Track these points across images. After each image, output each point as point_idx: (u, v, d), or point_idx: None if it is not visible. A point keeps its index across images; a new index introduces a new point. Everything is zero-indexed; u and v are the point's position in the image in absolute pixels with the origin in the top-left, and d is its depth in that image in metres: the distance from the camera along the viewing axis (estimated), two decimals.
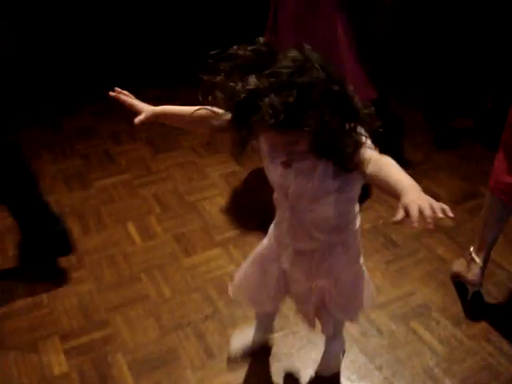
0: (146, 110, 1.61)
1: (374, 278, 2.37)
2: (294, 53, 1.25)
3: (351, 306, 1.80)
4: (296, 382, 2.01)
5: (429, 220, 1.12)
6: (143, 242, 2.64)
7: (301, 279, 1.70)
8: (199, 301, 2.31)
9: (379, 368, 2.03)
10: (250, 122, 1.21)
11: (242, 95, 1.20)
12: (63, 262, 2.55)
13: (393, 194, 1.23)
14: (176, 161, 3.24)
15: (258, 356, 2.08)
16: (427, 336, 2.15)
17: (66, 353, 2.14)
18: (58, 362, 2.11)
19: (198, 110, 1.49)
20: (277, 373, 2.03)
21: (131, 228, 2.74)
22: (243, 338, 2.09)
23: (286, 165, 1.42)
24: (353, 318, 1.87)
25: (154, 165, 3.22)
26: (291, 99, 1.18)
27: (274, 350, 2.10)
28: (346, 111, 1.28)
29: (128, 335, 2.19)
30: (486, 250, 2.21)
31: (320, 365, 2.02)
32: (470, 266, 2.24)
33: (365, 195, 2.90)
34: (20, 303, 2.37)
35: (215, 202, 2.90)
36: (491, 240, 2.20)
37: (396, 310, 2.26)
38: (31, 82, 3.92)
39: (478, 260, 2.22)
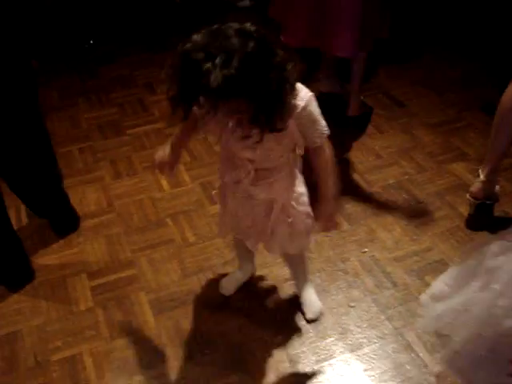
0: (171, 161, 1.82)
1: (393, 232, 2.43)
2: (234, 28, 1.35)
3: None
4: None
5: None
6: (171, 189, 2.73)
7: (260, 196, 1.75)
8: (221, 247, 2.39)
9: (390, 318, 2.08)
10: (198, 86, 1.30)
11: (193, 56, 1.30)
12: (93, 205, 2.65)
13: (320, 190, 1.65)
14: None
15: (269, 303, 2.15)
16: None
17: (93, 290, 2.26)
18: (84, 298, 2.23)
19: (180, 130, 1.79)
20: (288, 312, 2.11)
21: (160, 175, 2.81)
22: (231, 279, 2.19)
23: (247, 138, 1.54)
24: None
25: None
26: (232, 70, 1.27)
27: (284, 292, 2.17)
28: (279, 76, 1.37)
29: (151, 276, 2.29)
30: (491, 164, 2.33)
31: (306, 313, 2.09)
32: (475, 181, 2.39)
33: (391, 149, 2.92)
34: (52, 243, 2.49)
35: None
36: (498, 153, 2.30)
37: (412, 264, 2.30)
38: (70, 33, 3.99)
39: (481, 175, 2.36)
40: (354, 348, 1.99)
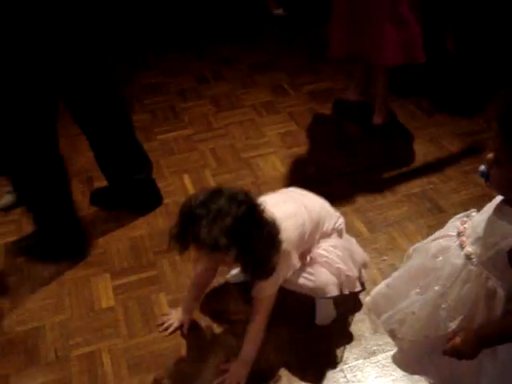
0: (187, 320, 2.12)
1: (414, 242, 2.38)
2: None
3: None
4: None
5: None
6: None
7: None
8: None
9: None
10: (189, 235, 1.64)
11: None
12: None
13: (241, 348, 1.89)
14: (236, 119, 3.34)
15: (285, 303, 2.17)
16: None
17: (115, 289, 2.32)
18: (106, 297, 2.29)
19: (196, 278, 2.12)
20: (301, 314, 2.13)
21: (187, 180, 2.88)
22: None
23: None
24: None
25: (214, 121, 3.34)
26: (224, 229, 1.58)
27: None
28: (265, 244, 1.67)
29: (172, 277, 2.34)
30: None
31: (317, 318, 2.12)
32: None
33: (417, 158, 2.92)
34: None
35: (269, 159, 2.99)
36: None
37: None
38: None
39: None
40: (367, 355, 1.99)
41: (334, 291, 1.95)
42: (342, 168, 2.88)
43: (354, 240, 2.18)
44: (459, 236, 1.45)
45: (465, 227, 1.44)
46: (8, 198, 2.78)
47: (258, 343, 1.89)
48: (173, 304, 2.21)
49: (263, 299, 1.86)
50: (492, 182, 1.33)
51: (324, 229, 1.99)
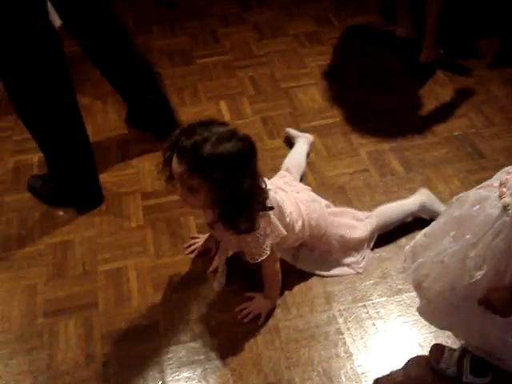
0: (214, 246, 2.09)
1: (450, 185, 2.37)
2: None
3: None
4: None
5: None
6: (232, 120, 2.73)
7: None
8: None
9: None
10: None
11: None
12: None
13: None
14: (278, 47, 3.26)
15: None
16: None
17: (145, 209, 2.33)
18: (136, 216, 2.30)
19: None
20: None
21: (223, 106, 2.84)
22: None
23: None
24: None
25: (256, 49, 3.26)
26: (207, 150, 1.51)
27: None
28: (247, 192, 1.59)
29: None
30: None
31: None
32: None
33: (461, 101, 2.82)
34: (112, 162, 2.56)
35: (308, 91, 2.92)
36: None
37: None
38: None
39: None
40: (392, 293, 1.98)
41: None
42: (382, 104, 2.80)
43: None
44: (500, 186, 1.39)
45: (507, 178, 1.38)
46: None
47: (277, 284, 1.91)
48: (201, 228, 2.21)
49: (263, 265, 1.84)
50: None
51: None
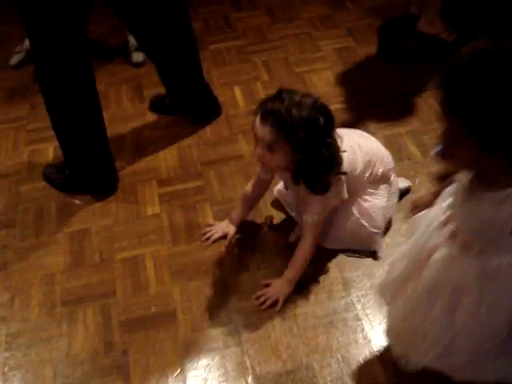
0: (231, 231, 2.10)
1: None
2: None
3: None
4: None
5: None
6: (246, 106, 2.72)
7: None
8: None
9: None
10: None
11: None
12: (168, 119, 2.70)
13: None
14: (291, 31, 3.23)
15: None
16: None
17: (161, 196, 2.32)
18: (152, 204, 2.30)
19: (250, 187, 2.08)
20: None
21: (237, 91, 2.82)
22: None
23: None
24: None
25: (269, 33, 3.23)
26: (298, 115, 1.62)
27: None
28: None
29: (218, 189, 2.33)
30: None
31: None
32: None
33: None
34: (127, 149, 2.56)
35: (323, 75, 2.89)
36: None
37: None
38: None
39: None
40: None
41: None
42: (398, 88, 2.77)
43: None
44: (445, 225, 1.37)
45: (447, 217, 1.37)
46: (19, 57, 3.04)
47: (303, 267, 1.89)
48: (217, 215, 2.20)
49: (311, 224, 1.85)
50: (452, 161, 1.27)
51: (375, 170, 1.97)
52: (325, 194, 1.77)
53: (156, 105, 2.73)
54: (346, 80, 2.85)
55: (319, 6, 3.43)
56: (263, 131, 1.67)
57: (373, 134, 2.43)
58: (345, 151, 1.78)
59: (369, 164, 1.94)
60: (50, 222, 2.26)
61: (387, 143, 2.43)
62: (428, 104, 2.67)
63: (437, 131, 2.45)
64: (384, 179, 2.03)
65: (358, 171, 1.88)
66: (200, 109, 2.64)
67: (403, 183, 2.21)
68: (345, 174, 1.79)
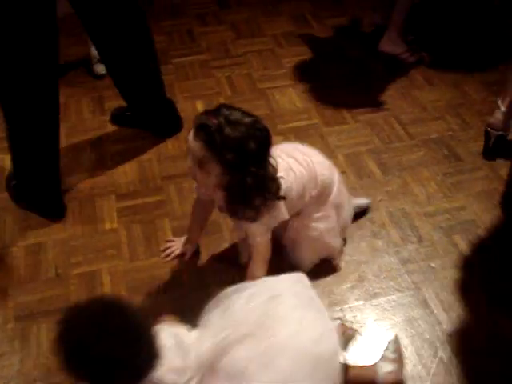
0: (190, 248, 2.08)
1: (427, 188, 2.38)
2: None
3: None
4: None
5: None
6: None
7: None
8: None
9: (410, 272, 2.05)
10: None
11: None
12: (131, 130, 2.66)
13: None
14: (255, 47, 3.25)
15: None
16: (467, 252, 2.12)
17: (119, 211, 2.29)
18: (110, 218, 2.26)
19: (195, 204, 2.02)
20: None
21: (199, 106, 2.81)
22: None
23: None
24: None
25: (233, 49, 3.24)
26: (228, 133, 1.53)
27: None
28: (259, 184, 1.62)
29: (178, 204, 2.31)
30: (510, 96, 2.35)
31: None
32: (495, 112, 2.45)
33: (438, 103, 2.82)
34: (87, 162, 2.52)
35: (286, 92, 2.91)
36: None
37: (442, 221, 2.24)
38: None
39: (502, 107, 2.43)
40: (368, 297, 1.97)
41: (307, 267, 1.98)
42: (360, 106, 2.79)
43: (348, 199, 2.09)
44: None
45: None
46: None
47: (264, 264, 1.83)
48: (177, 231, 2.18)
49: (255, 246, 1.81)
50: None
51: (309, 194, 1.88)
52: (252, 222, 1.70)
53: (117, 117, 2.70)
54: (309, 97, 2.87)
55: (283, 22, 3.46)
56: (193, 145, 1.59)
57: (333, 152, 2.46)
58: (282, 177, 1.71)
59: (303, 187, 1.85)
60: (4, 234, 2.20)
61: (348, 161, 2.47)
62: (388, 123, 2.70)
63: (397, 150, 2.51)
64: (324, 197, 1.93)
65: (293, 192, 1.79)
66: (161, 123, 2.62)
67: (362, 200, 2.22)
68: (283, 199, 1.72)
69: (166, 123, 2.63)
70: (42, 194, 2.26)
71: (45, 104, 2.08)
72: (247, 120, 1.57)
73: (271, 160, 1.66)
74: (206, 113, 1.60)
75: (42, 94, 2.05)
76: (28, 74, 1.98)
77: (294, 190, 1.79)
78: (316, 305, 1.64)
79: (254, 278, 1.80)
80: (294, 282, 1.68)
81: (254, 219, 1.69)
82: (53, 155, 2.21)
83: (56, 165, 2.23)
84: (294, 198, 1.80)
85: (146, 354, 1.32)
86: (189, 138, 1.61)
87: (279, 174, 1.69)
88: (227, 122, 1.54)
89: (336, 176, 1.97)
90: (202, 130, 1.56)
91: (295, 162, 1.83)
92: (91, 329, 1.25)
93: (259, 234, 1.77)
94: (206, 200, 1.93)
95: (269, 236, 1.81)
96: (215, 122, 1.54)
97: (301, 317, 1.55)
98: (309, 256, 2.00)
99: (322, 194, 1.91)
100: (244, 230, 1.81)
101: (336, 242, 2.02)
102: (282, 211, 1.76)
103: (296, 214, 1.90)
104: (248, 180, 1.59)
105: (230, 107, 1.60)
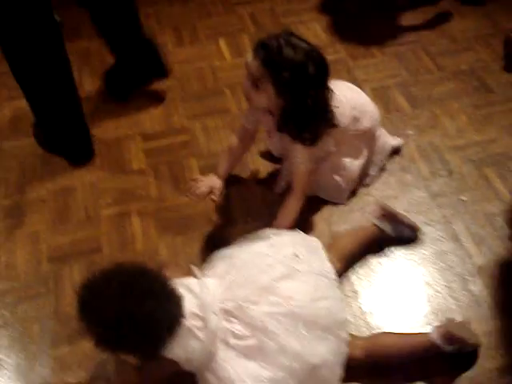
0: (218, 185, 1.92)
1: (457, 120, 2.32)
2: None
3: None
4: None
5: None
6: (232, 59, 2.67)
7: None
8: None
9: (440, 206, 2.02)
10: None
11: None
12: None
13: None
14: None
15: None
16: (498, 184, 2.09)
17: (146, 152, 2.29)
18: (137, 160, 2.26)
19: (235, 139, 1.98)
20: None
21: (223, 44, 2.76)
22: None
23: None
24: None
25: None
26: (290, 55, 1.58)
27: None
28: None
29: (204, 143, 2.30)
30: None
31: None
32: None
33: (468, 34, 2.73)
34: (110, 105, 2.50)
35: (310, 26, 2.84)
36: None
37: (473, 154, 2.20)
38: None
39: None
40: None
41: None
42: (387, 39, 2.72)
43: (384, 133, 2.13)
44: None
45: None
46: None
47: (290, 219, 1.84)
48: (204, 170, 2.17)
49: (298, 175, 1.82)
50: None
51: (359, 126, 1.93)
52: (309, 145, 1.73)
53: (110, 82, 2.52)
54: (334, 31, 2.80)
55: None
56: (252, 64, 1.62)
57: (361, 86, 2.40)
58: (337, 106, 1.74)
59: (354, 119, 1.89)
60: (34, 179, 2.22)
61: (376, 95, 2.41)
62: (416, 55, 2.63)
63: (426, 83, 2.45)
64: (368, 135, 1.99)
65: (342, 125, 1.83)
66: (146, 69, 2.44)
67: (394, 140, 2.18)
68: (335, 126, 1.75)
69: (150, 68, 2.44)
70: (70, 139, 2.25)
71: (48, 42, 1.97)
72: (306, 46, 1.60)
73: (328, 90, 1.69)
74: (270, 35, 1.62)
75: (43, 30, 1.93)
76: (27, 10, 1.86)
77: (344, 121, 1.82)
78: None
79: (290, 210, 1.83)
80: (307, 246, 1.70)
81: (309, 142, 1.71)
82: (72, 98, 2.16)
83: (78, 108, 2.20)
84: (342, 130, 1.83)
85: (175, 311, 1.35)
86: (248, 56, 1.64)
87: (334, 104, 1.72)
88: (287, 44, 1.57)
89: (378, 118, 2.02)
90: (261, 48, 1.60)
91: (352, 93, 1.93)
92: (130, 293, 1.28)
93: (304, 161, 1.79)
94: (248, 131, 1.95)
95: (312, 166, 1.82)
96: (275, 42, 1.58)
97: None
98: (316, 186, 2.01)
99: (368, 133, 1.96)
100: (290, 157, 1.83)
101: (348, 183, 2.02)
102: (330, 142, 1.82)
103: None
104: (308, 102, 1.61)
105: (291, 33, 1.63)
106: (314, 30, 2.80)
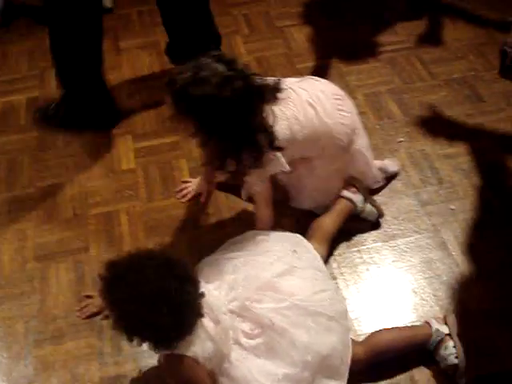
0: (207, 187, 2.03)
1: (449, 129, 2.32)
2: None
3: None
4: None
5: None
6: None
7: None
8: None
9: (429, 214, 2.02)
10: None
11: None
12: (146, 69, 2.66)
13: None
14: None
15: None
16: (489, 194, 2.09)
17: (136, 152, 2.28)
18: (127, 159, 2.25)
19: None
20: None
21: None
22: None
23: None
24: None
25: None
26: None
27: None
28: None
29: (194, 145, 2.26)
30: None
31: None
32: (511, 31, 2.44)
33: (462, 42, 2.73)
34: None
35: (304, 30, 2.84)
36: None
37: (463, 163, 2.20)
38: None
39: None
40: (387, 238, 1.96)
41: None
42: (380, 44, 2.72)
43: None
44: None
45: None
46: None
47: (268, 224, 1.84)
48: (193, 171, 2.17)
49: (255, 195, 1.81)
50: None
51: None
52: (254, 169, 1.63)
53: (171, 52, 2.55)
54: (328, 36, 2.79)
55: None
56: (166, 100, 1.54)
57: (353, 91, 2.41)
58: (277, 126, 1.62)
59: (311, 140, 1.76)
60: (22, 176, 2.20)
61: (368, 102, 2.41)
62: (410, 63, 2.63)
63: (418, 90, 2.45)
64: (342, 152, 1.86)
65: (299, 137, 1.70)
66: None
67: (391, 165, 2.11)
68: (280, 149, 1.63)
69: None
70: (97, 106, 2.30)
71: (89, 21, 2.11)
72: (216, 79, 1.45)
73: (267, 110, 1.57)
74: (182, 65, 1.52)
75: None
76: None
77: (297, 138, 1.70)
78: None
79: (262, 220, 1.82)
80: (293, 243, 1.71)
81: (252, 167, 1.61)
82: (98, 66, 2.24)
83: (101, 74, 2.27)
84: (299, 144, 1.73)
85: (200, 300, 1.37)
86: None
87: (281, 123, 1.62)
88: (193, 80, 1.45)
89: (358, 127, 1.91)
90: (168, 86, 1.49)
91: (311, 109, 1.73)
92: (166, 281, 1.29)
93: (255, 183, 1.74)
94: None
95: (267, 183, 1.76)
96: (181, 80, 1.46)
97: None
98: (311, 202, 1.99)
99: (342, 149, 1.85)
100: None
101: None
102: (280, 162, 1.66)
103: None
104: (233, 132, 1.51)
105: (212, 57, 1.51)
106: (308, 35, 2.80)
